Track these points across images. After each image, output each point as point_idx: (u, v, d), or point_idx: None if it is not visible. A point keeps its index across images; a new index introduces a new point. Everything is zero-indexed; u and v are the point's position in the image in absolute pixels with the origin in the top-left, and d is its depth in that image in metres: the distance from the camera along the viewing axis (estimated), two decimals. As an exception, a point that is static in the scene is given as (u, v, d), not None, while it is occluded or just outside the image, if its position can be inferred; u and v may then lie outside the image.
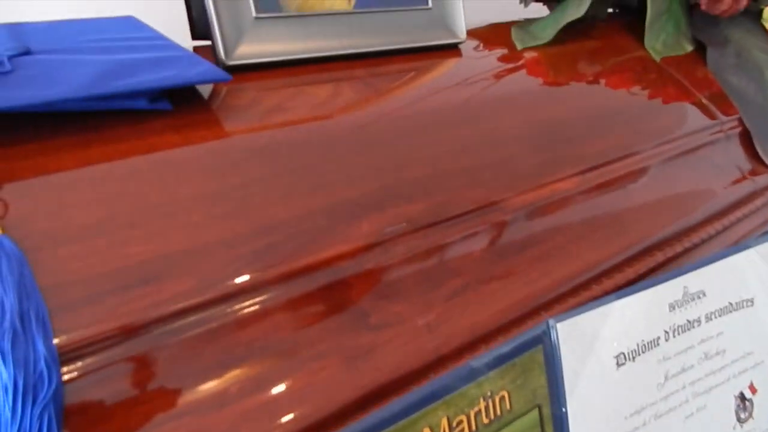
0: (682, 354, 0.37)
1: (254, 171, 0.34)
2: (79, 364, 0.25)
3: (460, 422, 0.29)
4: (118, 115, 0.35)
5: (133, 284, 0.27)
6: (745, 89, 0.61)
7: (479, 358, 0.30)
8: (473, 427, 0.29)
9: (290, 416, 0.28)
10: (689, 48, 0.64)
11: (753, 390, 0.40)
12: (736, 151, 0.56)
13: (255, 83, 0.43)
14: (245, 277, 0.30)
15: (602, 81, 0.56)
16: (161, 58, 0.38)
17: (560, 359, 0.33)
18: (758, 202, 0.53)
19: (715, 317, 0.39)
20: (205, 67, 0.37)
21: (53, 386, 0.23)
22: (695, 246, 0.46)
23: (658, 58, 0.61)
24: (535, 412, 0.32)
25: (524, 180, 0.41)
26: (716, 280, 0.39)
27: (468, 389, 0.30)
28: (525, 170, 0.42)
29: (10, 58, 0.35)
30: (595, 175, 0.45)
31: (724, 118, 0.57)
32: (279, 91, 0.43)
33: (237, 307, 0.29)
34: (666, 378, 0.37)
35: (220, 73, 0.37)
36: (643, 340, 0.36)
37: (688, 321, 0.38)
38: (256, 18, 0.43)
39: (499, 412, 0.30)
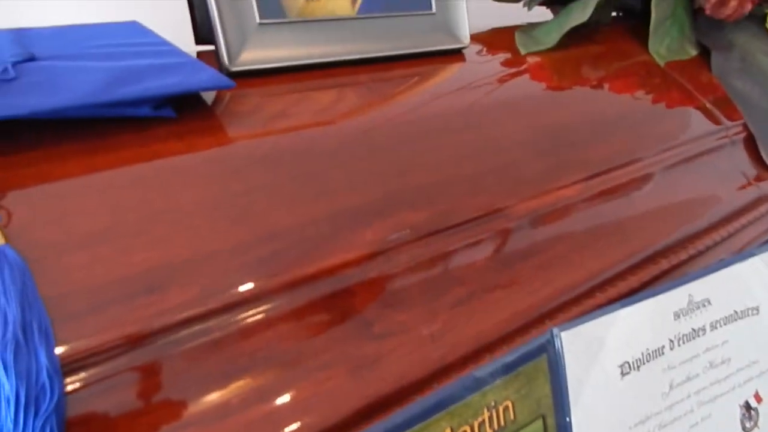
0: (687, 363, 0.37)
1: (258, 178, 0.34)
2: (82, 374, 0.25)
3: (463, 432, 0.29)
4: (121, 122, 0.35)
5: (136, 293, 0.27)
6: (750, 94, 0.61)
7: (483, 368, 0.30)
8: (477, 438, 0.29)
9: (294, 426, 0.28)
10: (693, 52, 0.64)
11: (758, 399, 0.39)
12: (740, 157, 0.56)
13: (259, 89, 0.42)
14: (249, 286, 0.30)
15: (606, 86, 0.56)
16: (165, 64, 0.37)
17: (564, 368, 0.33)
18: (763, 208, 0.52)
19: (720, 326, 0.39)
20: (209, 74, 0.37)
21: (55, 398, 0.23)
22: (700, 253, 0.46)
23: (662, 63, 0.61)
24: (539, 422, 0.32)
25: (528, 186, 0.41)
26: (721, 288, 0.39)
27: (472, 399, 0.29)
28: (529, 176, 0.42)
29: (15, 64, 0.35)
30: (598, 182, 0.45)
31: (728, 123, 0.57)
32: (283, 97, 0.43)
33: (241, 316, 0.29)
34: (671, 387, 0.36)
35: (225, 81, 0.37)
36: (647, 349, 0.36)
37: (693, 329, 0.38)
38: (260, 24, 0.43)
39: (503, 423, 0.30)
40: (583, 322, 0.34)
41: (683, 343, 0.37)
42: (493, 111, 0.47)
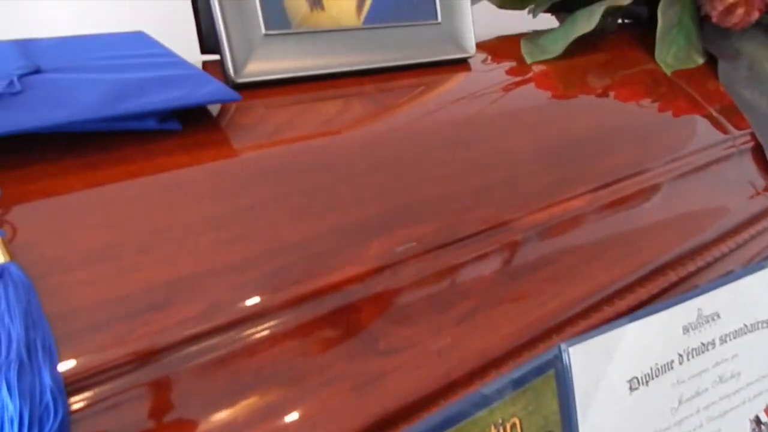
0: (696, 377, 0.37)
1: (263, 192, 0.34)
2: (87, 393, 0.25)
3: (471, 451, 0.28)
4: (126, 136, 0.35)
5: (141, 310, 0.27)
6: (758, 103, 0.60)
7: (490, 385, 0.30)
8: (484, 456, 0.29)
9: (299, 444, 0.27)
10: (700, 61, 0.63)
11: (769, 414, 0.39)
12: (749, 167, 0.55)
13: (264, 100, 0.42)
14: (254, 301, 0.29)
15: (612, 95, 0.55)
16: (171, 77, 0.37)
17: (572, 384, 0.33)
18: (772, 218, 0.52)
19: (730, 339, 0.38)
20: (215, 86, 0.37)
21: (59, 418, 0.23)
22: (708, 264, 0.45)
23: (668, 72, 0.60)
24: (547, 439, 0.31)
25: (535, 198, 0.41)
26: (731, 301, 0.39)
27: (479, 416, 0.29)
28: (536, 188, 0.42)
29: (20, 77, 0.35)
30: (606, 193, 0.44)
31: (736, 132, 0.56)
32: (288, 108, 0.43)
33: (246, 333, 0.29)
34: (680, 402, 0.36)
35: (230, 93, 0.37)
36: (656, 364, 0.36)
37: (702, 344, 0.37)
38: (266, 35, 0.43)
39: (510, 440, 0.30)
40: (591, 337, 0.34)
41: (692, 357, 0.37)
42: (499, 122, 0.47)
